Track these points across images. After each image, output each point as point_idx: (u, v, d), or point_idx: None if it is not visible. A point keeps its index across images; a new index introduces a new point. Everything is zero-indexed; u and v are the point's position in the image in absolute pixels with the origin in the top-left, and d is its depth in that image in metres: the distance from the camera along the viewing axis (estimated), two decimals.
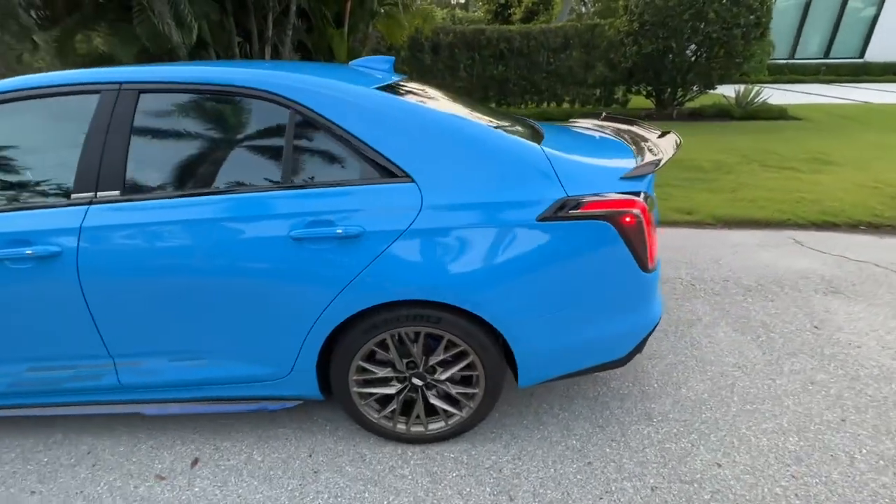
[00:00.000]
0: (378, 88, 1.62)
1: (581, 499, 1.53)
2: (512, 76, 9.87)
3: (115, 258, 1.43)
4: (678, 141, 1.74)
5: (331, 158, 1.48)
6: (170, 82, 1.48)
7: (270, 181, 1.47)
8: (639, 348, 1.70)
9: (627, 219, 1.47)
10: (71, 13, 4.44)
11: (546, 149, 1.55)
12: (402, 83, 1.91)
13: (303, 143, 1.47)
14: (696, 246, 3.57)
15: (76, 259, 1.42)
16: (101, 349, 1.55)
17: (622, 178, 1.52)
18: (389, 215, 1.43)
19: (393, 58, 2.07)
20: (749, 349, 2.29)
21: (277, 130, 1.47)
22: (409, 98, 1.62)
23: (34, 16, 4.25)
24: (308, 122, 1.45)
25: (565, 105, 10.17)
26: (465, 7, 28.66)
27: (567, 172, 1.50)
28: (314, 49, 7.22)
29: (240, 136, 1.53)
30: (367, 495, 1.56)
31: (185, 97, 1.49)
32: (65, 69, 1.60)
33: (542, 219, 1.43)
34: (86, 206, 1.44)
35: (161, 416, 1.86)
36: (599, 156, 1.78)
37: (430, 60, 9.98)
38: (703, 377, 2.09)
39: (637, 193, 1.52)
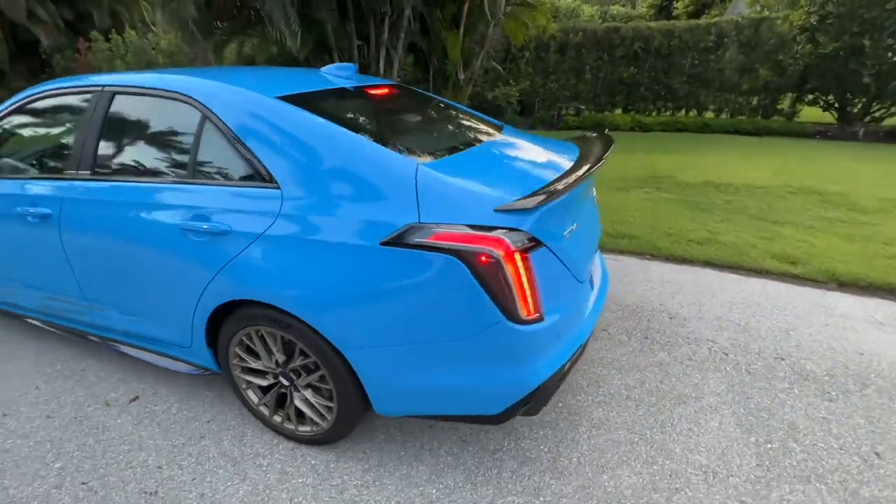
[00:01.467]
0: (312, 92, 1.72)
1: None
2: (644, 80, 8.82)
3: (79, 223, 1.82)
4: (580, 173, 1.40)
5: (224, 158, 1.60)
6: (133, 86, 1.79)
7: (180, 174, 1.68)
8: (521, 409, 1.45)
9: (483, 258, 1.27)
10: (226, 24, 5.56)
11: (424, 167, 1.42)
12: (351, 89, 1.94)
13: (206, 141, 1.63)
14: (772, 307, 2.77)
15: (59, 220, 1.85)
16: (79, 292, 1.99)
17: (496, 211, 1.31)
18: (253, 218, 1.49)
19: (355, 65, 2.11)
20: (741, 453, 1.73)
21: (191, 129, 1.66)
22: (324, 108, 1.65)
23: (199, 27, 5.46)
24: (211, 124, 1.60)
25: (708, 114, 8.67)
26: (632, 3, 26.48)
27: (433, 195, 1.36)
28: (428, 51, 7.58)
29: (168, 133, 1.77)
30: (220, 472, 1.68)
31: (140, 99, 1.79)
32: None
33: (386, 243, 1.33)
34: (70, 181, 1.86)
35: (137, 357, 2.27)
36: (514, 181, 1.54)
37: (554, 61, 9.55)
38: (645, 469, 1.66)
39: (516, 230, 1.30)
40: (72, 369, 2.26)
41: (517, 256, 1.29)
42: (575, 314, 1.59)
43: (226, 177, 1.59)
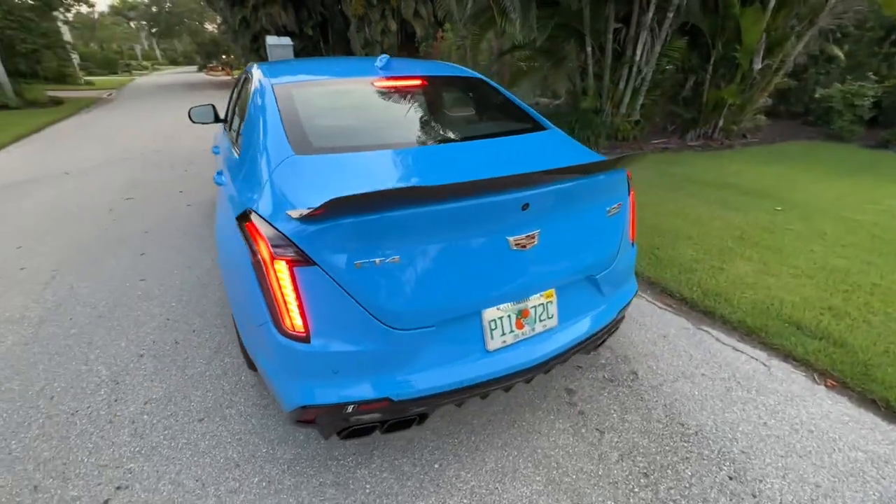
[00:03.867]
0: (319, 80, 1.92)
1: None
2: None
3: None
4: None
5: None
6: (248, 70, 2.38)
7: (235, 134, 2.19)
8: (301, 422, 1.39)
9: (257, 256, 1.28)
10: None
11: (294, 157, 1.49)
12: (384, 75, 1.99)
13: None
14: None
15: (218, 150, 2.74)
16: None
17: (287, 213, 1.22)
18: (227, 181, 1.84)
19: (388, 56, 2.10)
20: None
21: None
22: (303, 95, 1.83)
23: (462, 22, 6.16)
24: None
25: None
26: None
27: (274, 186, 1.42)
28: (710, 32, 5.91)
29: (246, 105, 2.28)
30: (206, 373, 2.20)
31: (248, 79, 2.37)
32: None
33: (238, 218, 1.43)
34: (225, 132, 2.69)
35: None
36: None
37: None
38: None
39: (284, 237, 1.21)
40: None
41: (280, 265, 1.21)
42: (385, 362, 1.32)
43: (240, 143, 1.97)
